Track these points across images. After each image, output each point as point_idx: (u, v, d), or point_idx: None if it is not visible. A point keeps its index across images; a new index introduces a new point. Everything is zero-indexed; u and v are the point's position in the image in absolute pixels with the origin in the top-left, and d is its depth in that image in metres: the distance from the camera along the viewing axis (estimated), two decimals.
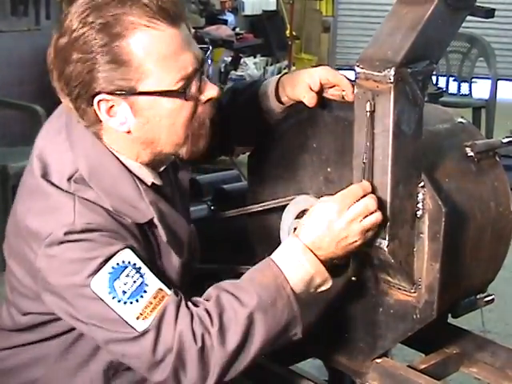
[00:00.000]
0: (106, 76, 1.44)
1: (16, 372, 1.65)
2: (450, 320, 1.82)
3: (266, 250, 1.87)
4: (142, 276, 1.44)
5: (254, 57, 8.27)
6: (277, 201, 1.80)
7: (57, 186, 1.50)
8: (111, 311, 1.42)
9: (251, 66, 7.97)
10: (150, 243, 1.55)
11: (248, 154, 1.93)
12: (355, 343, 1.70)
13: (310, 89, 1.68)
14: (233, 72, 7.51)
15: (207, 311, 1.45)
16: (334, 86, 1.70)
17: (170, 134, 1.52)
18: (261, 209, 1.84)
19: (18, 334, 1.64)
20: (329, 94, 1.71)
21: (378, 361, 1.67)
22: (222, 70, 7.37)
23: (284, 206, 1.74)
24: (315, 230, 1.50)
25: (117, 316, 1.42)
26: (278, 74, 1.86)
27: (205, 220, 2.03)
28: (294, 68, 8.66)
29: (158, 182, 1.59)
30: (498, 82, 6.71)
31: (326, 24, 10.38)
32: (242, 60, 7.61)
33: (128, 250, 1.45)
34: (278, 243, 1.75)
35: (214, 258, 1.83)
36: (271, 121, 1.81)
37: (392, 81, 1.44)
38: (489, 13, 1.57)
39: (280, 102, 1.77)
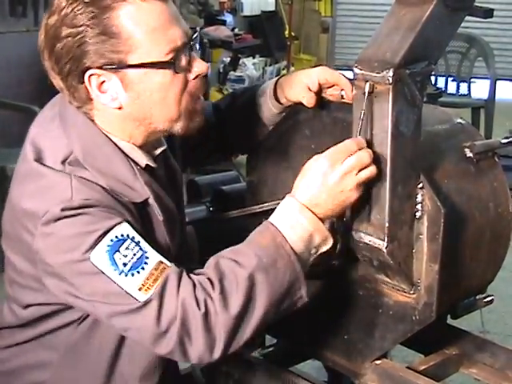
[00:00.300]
0: (96, 49, 1.45)
1: (19, 374, 1.64)
2: (450, 320, 1.82)
3: None
4: (141, 249, 1.43)
5: (253, 57, 8.26)
6: (276, 202, 1.79)
7: (51, 168, 1.50)
8: (113, 284, 1.41)
9: (250, 67, 7.96)
10: (145, 223, 1.54)
11: (247, 155, 1.93)
12: (354, 344, 1.69)
13: (309, 89, 1.68)
14: (232, 72, 7.51)
15: (208, 277, 1.44)
16: (332, 85, 1.70)
17: (162, 109, 1.52)
18: (260, 210, 1.83)
19: (20, 330, 1.63)
20: (328, 93, 1.71)
21: (378, 362, 1.66)
22: (221, 70, 7.37)
23: None
24: (310, 187, 1.49)
25: (119, 288, 1.41)
26: (276, 75, 1.87)
27: (204, 221, 2.03)
28: (292, 69, 8.65)
29: (152, 163, 1.59)
30: (497, 81, 6.72)
31: (324, 24, 10.39)
32: (240, 60, 7.61)
33: (126, 224, 1.44)
34: None
35: None
36: (269, 122, 1.81)
37: (390, 82, 1.44)
38: (487, 13, 1.57)
39: (279, 103, 1.77)
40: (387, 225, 1.51)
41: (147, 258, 1.43)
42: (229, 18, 7.96)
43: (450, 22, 1.52)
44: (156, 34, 1.47)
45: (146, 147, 1.59)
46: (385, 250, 1.52)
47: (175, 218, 1.64)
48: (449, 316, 1.79)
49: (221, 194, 2.10)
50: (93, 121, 1.54)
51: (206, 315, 1.40)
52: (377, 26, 1.57)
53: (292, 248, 1.46)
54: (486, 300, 1.75)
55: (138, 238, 1.44)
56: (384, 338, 1.64)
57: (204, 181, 2.24)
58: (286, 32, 9.00)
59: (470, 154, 1.66)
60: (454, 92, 6.89)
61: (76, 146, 1.51)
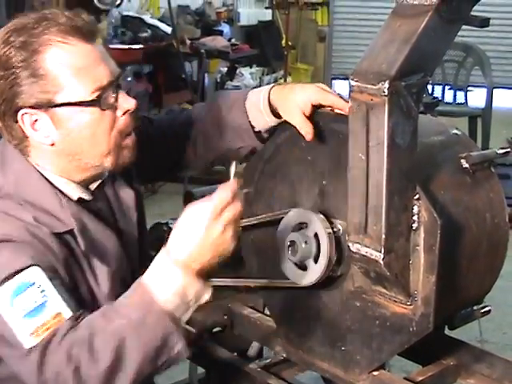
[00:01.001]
0: (26, 90, 1.55)
1: None
2: (448, 330, 1.81)
3: (260, 263, 1.87)
4: (44, 296, 1.46)
5: (250, 67, 8.30)
6: (272, 214, 1.80)
7: None
8: (8, 326, 1.45)
9: (247, 76, 8.00)
10: (70, 253, 1.57)
11: (244, 166, 1.93)
12: (352, 356, 1.69)
13: (304, 114, 1.68)
14: (229, 82, 7.54)
15: (82, 334, 1.44)
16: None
17: (92, 145, 1.60)
18: (256, 222, 1.83)
19: None
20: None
21: (375, 373, 1.66)
22: (218, 80, 7.40)
23: (279, 219, 1.74)
24: (190, 242, 1.45)
25: (12, 331, 1.44)
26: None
27: None
28: (289, 78, 8.68)
29: (86, 196, 1.66)
30: (494, 90, 6.73)
31: (321, 33, 10.43)
32: (237, 70, 7.64)
33: (36, 268, 1.47)
34: (273, 257, 1.75)
35: None
36: (264, 134, 1.82)
37: (386, 94, 1.44)
38: (484, 22, 1.57)
39: (276, 116, 1.78)
40: (384, 236, 1.51)
41: (46, 307, 1.45)
42: (226, 28, 7.99)
43: (445, 33, 1.52)
44: (81, 74, 1.55)
45: (85, 183, 1.66)
46: (382, 262, 1.52)
47: (106, 249, 1.65)
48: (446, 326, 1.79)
49: None
50: (29, 156, 1.62)
51: (78, 370, 1.41)
52: (373, 35, 1.57)
53: (161, 304, 1.45)
54: (483, 310, 1.75)
55: (44, 284, 1.47)
56: (381, 350, 1.64)
57: (200, 193, 2.24)
58: (283, 41, 9.02)
59: (466, 165, 1.66)
60: (451, 101, 6.92)
61: (9, 181, 1.59)
